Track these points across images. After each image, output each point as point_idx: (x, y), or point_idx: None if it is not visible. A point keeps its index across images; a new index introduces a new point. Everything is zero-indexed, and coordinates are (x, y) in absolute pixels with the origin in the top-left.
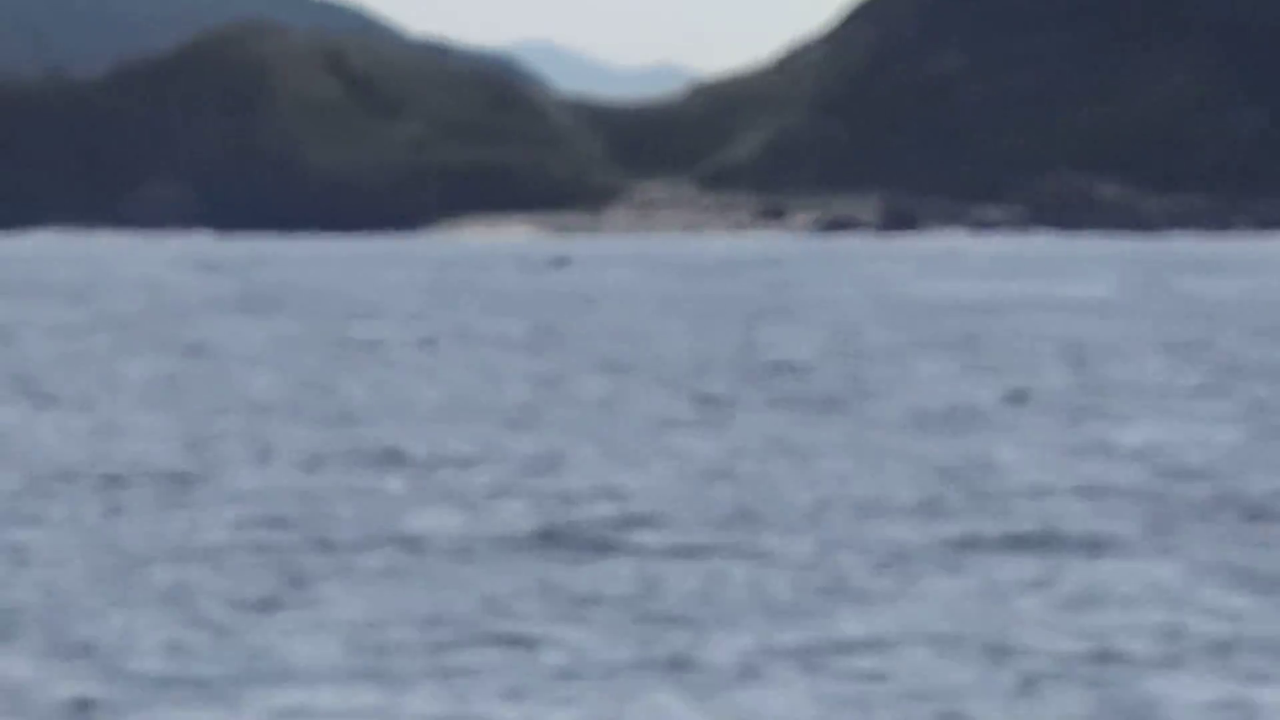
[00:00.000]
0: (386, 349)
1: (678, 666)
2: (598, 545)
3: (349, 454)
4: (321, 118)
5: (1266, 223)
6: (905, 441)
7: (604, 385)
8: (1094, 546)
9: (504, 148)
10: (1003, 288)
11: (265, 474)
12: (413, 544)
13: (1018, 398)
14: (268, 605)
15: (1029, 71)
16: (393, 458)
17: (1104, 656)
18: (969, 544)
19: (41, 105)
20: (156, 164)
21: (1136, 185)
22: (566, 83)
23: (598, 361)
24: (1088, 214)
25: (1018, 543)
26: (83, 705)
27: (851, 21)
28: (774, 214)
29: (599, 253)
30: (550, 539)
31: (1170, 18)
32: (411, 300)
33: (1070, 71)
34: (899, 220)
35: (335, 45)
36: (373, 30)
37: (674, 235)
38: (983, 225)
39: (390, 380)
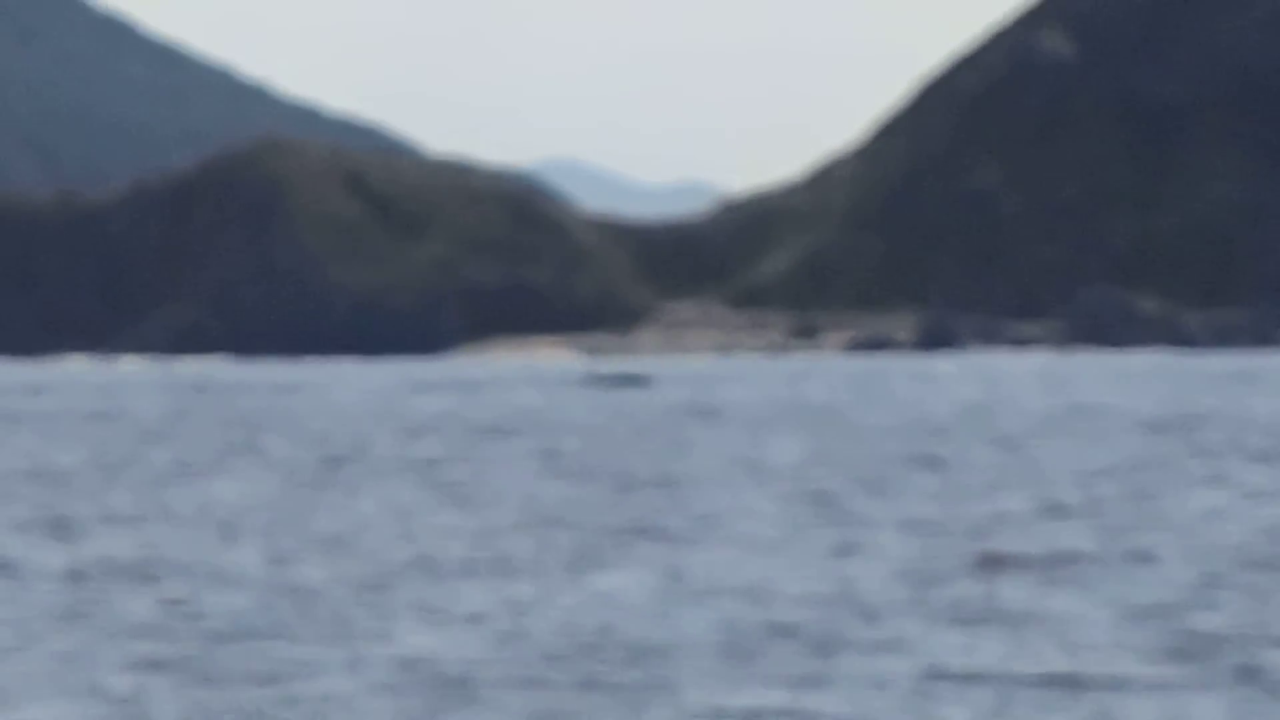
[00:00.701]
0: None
1: None
2: None
3: None
4: (342, 237)
5: None
6: None
7: None
8: None
9: (530, 267)
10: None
11: None
12: None
13: None
14: None
15: (1067, 183)
16: None
17: None
18: None
19: (55, 227)
20: (175, 286)
21: (1178, 299)
22: (592, 200)
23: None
24: (1128, 329)
25: None
26: None
27: (884, 135)
28: (807, 333)
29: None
30: None
31: (1213, 127)
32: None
33: (1110, 183)
34: (936, 338)
35: (355, 164)
36: (393, 148)
37: (706, 355)
38: (1021, 342)
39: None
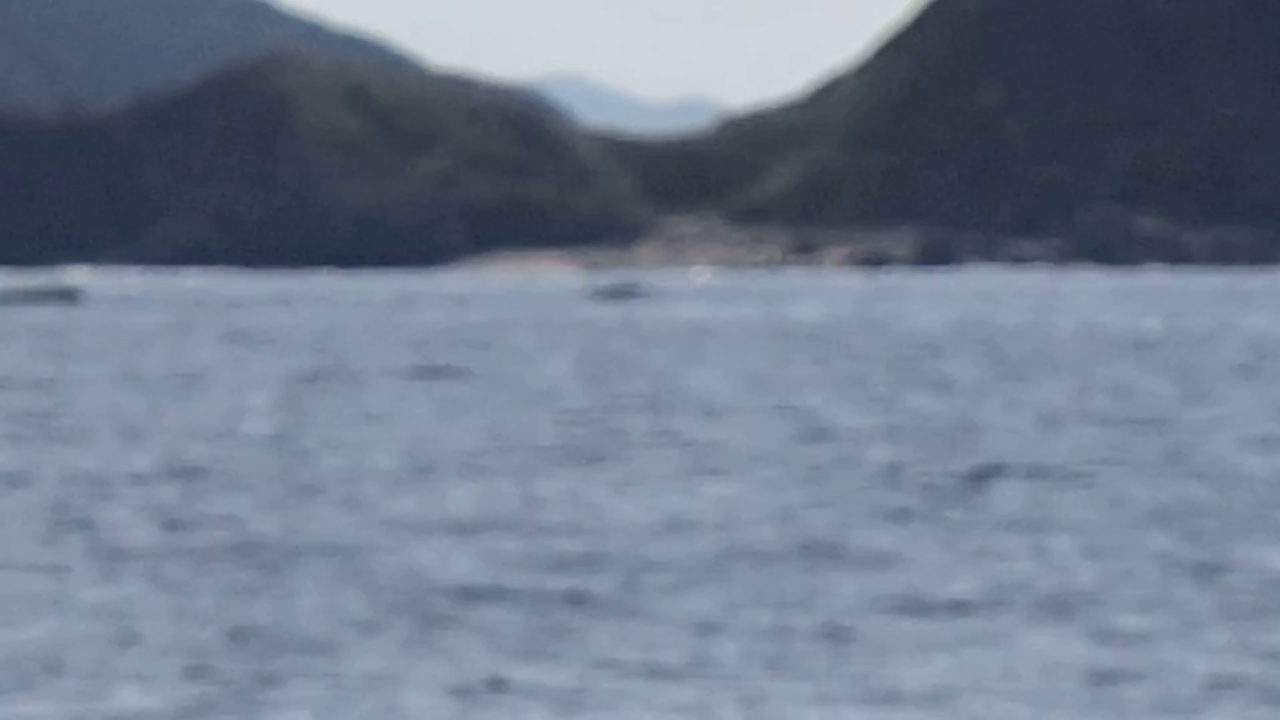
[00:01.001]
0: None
1: None
2: None
3: None
4: (344, 152)
5: None
6: None
7: None
8: None
9: (531, 183)
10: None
11: None
12: None
13: None
14: None
15: (1069, 103)
16: None
17: None
18: None
19: (58, 140)
20: (176, 200)
21: (1178, 219)
22: (594, 116)
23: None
24: (1128, 248)
25: None
26: None
27: (885, 53)
28: (807, 250)
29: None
30: None
31: (1216, 48)
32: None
33: (1111, 103)
34: (935, 256)
35: (358, 78)
36: (396, 63)
37: (707, 269)
38: (1020, 260)
39: None
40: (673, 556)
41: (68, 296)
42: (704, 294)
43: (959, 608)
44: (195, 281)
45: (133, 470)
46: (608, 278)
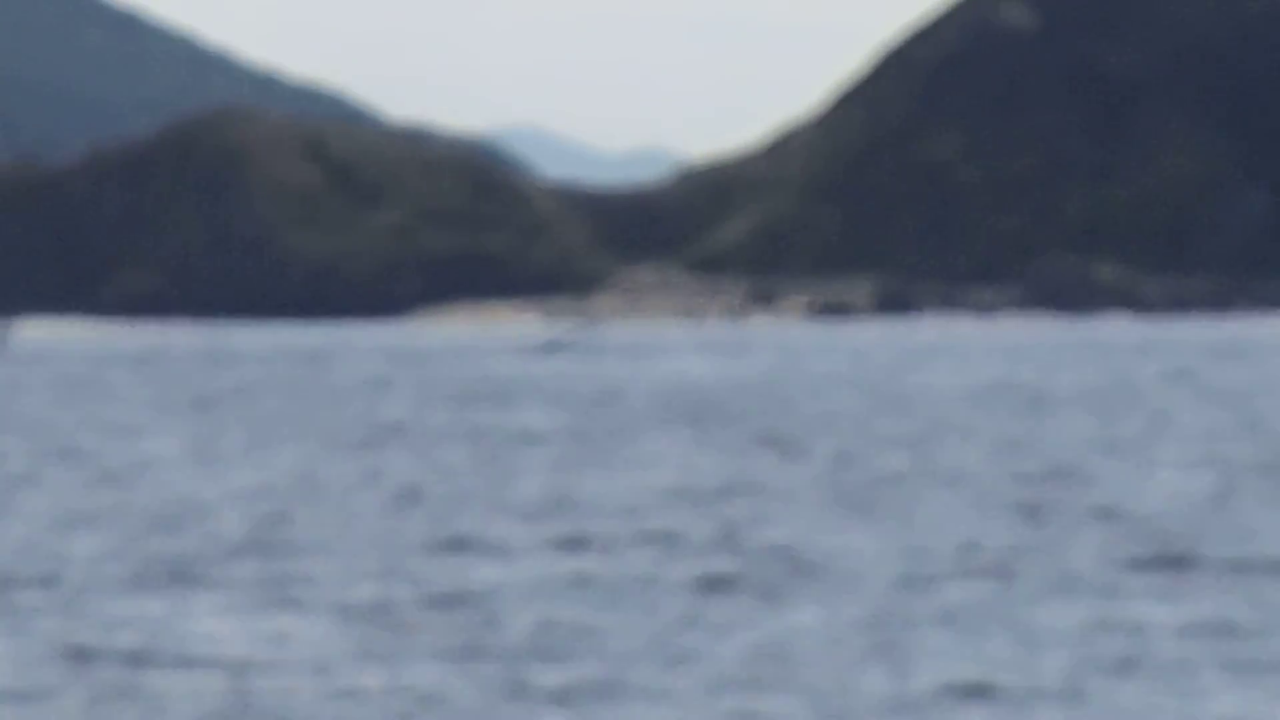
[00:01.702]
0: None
1: None
2: None
3: None
4: (301, 204)
5: (1269, 305)
6: None
7: None
8: None
9: (488, 234)
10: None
11: None
12: None
13: None
14: None
15: (1026, 153)
16: None
17: None
18: None
19: (13, 193)
20: (133, 252)
21: (1136, 267)
22: (551, 167)
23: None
24: (1087, 297)
25: None
26: None
27: (843, 104)
28: (765, 299)
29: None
30: None
31: (1170, 98)
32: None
33: (1068, 152)
34: (894, 304)
35: (314, 131)
36: (353, 116)
37: (666, 321)
38: (979, 309)
39: None
40: None
41: None
42: (631, 348)
43: None
44: (149, 334)
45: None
46: (557, 329)
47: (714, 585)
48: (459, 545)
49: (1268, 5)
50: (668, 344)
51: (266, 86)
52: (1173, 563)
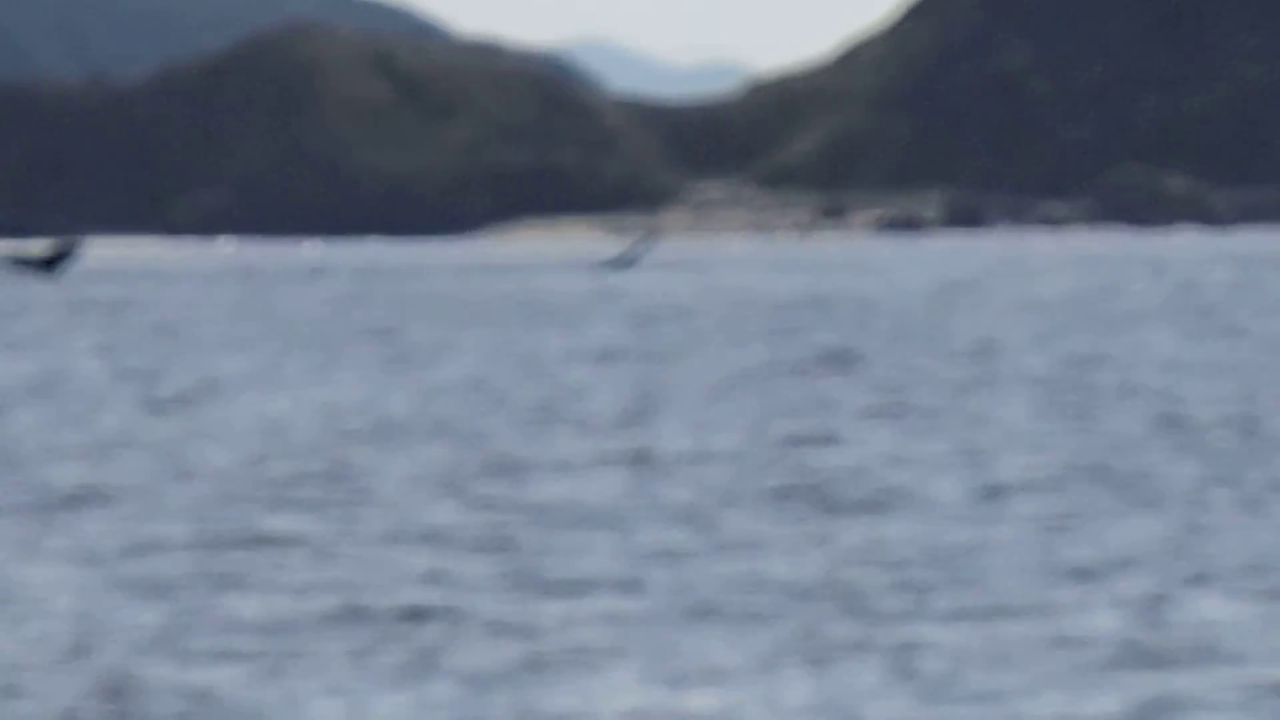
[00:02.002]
0: None
1: None
2: None
3: None
4: (371, 121)
5: None
6: None
7: None
8: None
9: (558, 150)
10: None
11: None
12: None
13: None
14: None
15: (1095, 64)
16: None
17: None
18: None
19: (84, 111)
20: (202, 170)
21: (1206, 179)
22: (620, 81)
23: None
24: (1156, 209)
25: None
26: None
27: (913, 16)
28: (835, 213)
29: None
30: None
31: (1242, 6)
32: None
33: (1138, 63)
34: (963, 218)
35: (384, 47)
36: (422, 31)
37: (734, 236)
38: (1050, 222)
39: None
40: None
41: (45, 265)
42: (695, 264)
43: None
44: (222, 250)
45: None
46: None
47: (785, 496)
48: (524, 466)
49: None
50: (736, 259)
51: (336, 2)
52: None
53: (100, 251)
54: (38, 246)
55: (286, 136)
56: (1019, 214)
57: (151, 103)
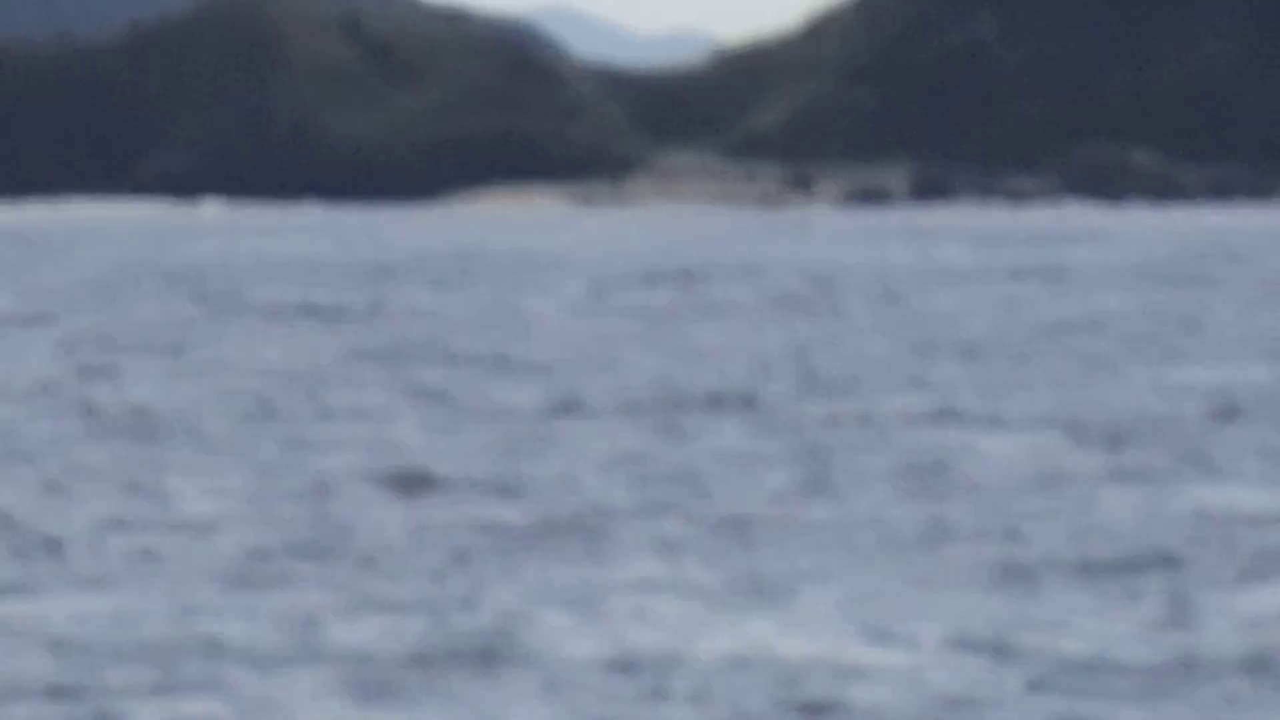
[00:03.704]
0: None
1: None
2: None
3: None
4: (338, 85)
5: None
6: None
7: None
8: None
9: (524, 116)
10: None
11: None
12: None
13: None
14: None
15: (1063, 37)
16: None
17: None
18: None
19: (50, 71)
20: (169, 131)
21: (1174, 154)
22: (587, 49)
23: None
24: (1123, 183)
25: None
26: None
27: None
28: (801, 184)
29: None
30: None
31: None
32: None
33: (1105, 37)
34: (930, 190)
35: (352, 11)
36: None
37: (701, 206)
38: (1016, 195)
39: None
40: None
41: None
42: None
43: None
44: (184, 212)
45: None
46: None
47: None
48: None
49: None
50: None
51: None
52: None
53: (70, 213)
54: None
55: (253, 99)
56: (985, 187)
57: (119, 63)
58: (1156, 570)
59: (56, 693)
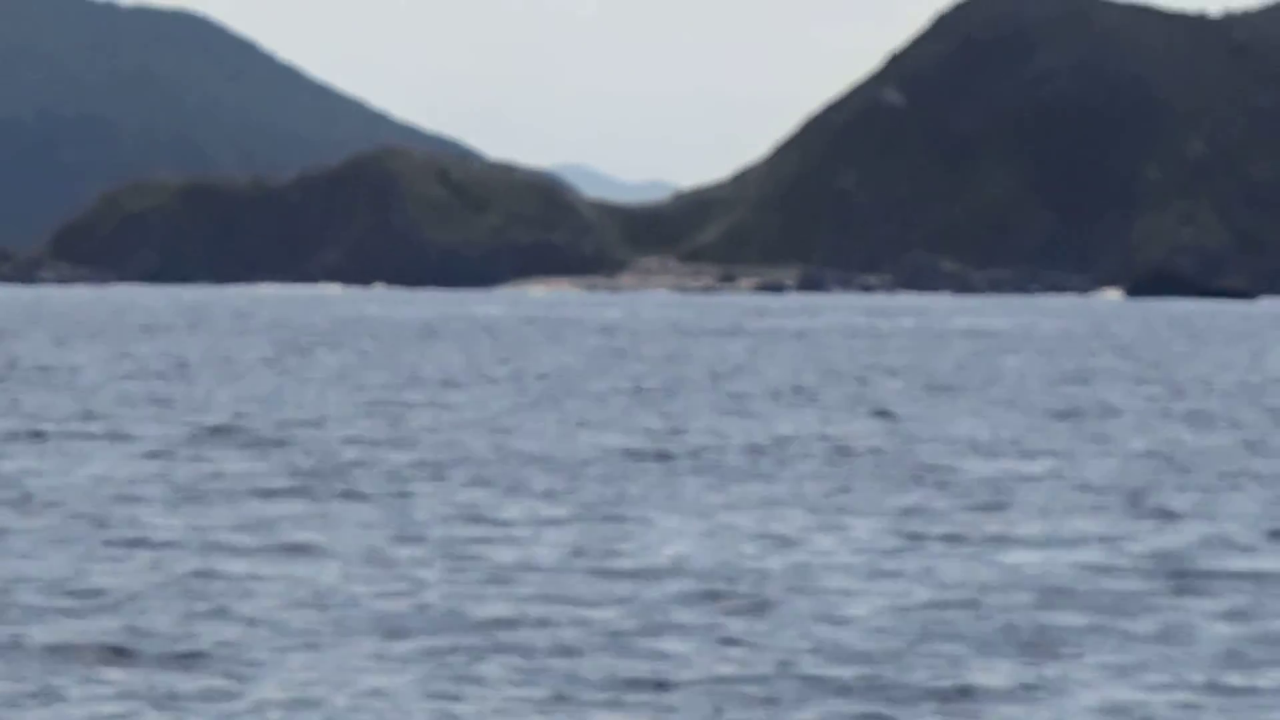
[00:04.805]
0: None
1: None
2: None
3: None
4: (435, 211)
5: (1054, 287)
6: None
7: None
8: None
9: (553, 233)
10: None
11: None
12: None
13: None
14: None
15: (899, 184)
16: None
17: None
18: None
19: (249, 201)
20: (327, 240)
21: (967, 261)
22: (592, 191)
23: None
24: (934, 280)
25: None
26: None
27: (783, 150)
28: (729, 279)
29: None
30: None
31: (995, 148)
32: None
33: (926, 183)
34: (811, 284)
35: (443, 163)
36: (466, 154)
37: (664, 292)
38: (866, 288)
39: None
40: None
41: None
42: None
43: None
44: (341, 293)
45: None
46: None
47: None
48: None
49: (1063, 86)
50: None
51: (410, 134)
52: None
53: (261, 293)
54: None
55: (380, 219)
56: (847, 282)
57: (295, 196)
58: None
59: None
